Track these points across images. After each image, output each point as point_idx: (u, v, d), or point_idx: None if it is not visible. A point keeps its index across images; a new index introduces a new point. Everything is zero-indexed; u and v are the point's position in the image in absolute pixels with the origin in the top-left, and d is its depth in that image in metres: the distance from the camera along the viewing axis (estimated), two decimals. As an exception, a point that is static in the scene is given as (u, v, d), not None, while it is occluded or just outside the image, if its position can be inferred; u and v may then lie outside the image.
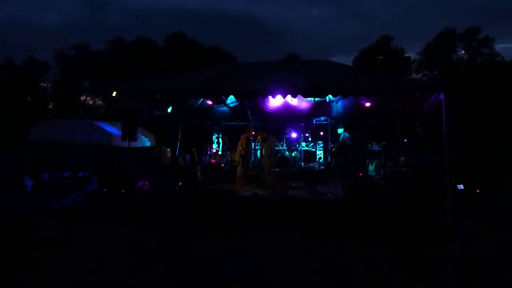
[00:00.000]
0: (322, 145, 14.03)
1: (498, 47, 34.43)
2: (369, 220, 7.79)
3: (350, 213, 8.12)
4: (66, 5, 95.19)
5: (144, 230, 7.73)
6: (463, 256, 6.28)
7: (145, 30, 64.82)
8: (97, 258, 6.06)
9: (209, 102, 10.31)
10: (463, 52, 35.34)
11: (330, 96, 10.34)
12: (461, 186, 9.55)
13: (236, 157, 11.81)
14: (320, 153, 14.22)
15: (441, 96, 8.10)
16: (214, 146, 14.71)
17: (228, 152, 14.07)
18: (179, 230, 7.67)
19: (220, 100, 12.34)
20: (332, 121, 13.54)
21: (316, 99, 11.91)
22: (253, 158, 14.77)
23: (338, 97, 10.68)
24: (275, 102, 12.35)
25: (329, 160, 13.38)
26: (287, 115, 13.93)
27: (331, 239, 7.19)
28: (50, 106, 38.96)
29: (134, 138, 10.66)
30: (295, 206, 8.67)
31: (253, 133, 14.33)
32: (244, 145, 11.56)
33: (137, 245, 6.73)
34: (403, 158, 11.94)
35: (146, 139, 15.99)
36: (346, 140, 12.31)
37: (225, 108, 13.93)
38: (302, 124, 14.09)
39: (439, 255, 6.31)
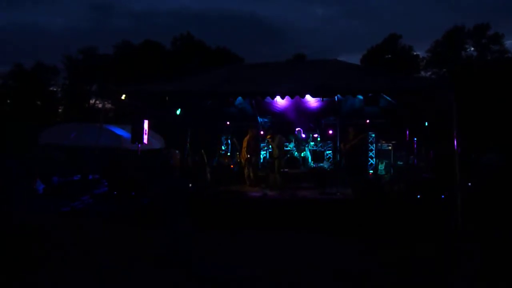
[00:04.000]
0: (331, 144, 13.96)
1: (508, 43, 34.06)
2: (379, 220, 7.73)
3: (360, 214, 8.08)
4: (70, 10, 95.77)
5: (153, 231, 7.68)
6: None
7: (151, 32, 65.13)
8: (106, 259, 6.10)
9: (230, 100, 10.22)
10: (472, 49, 34.94)
11: (339, 95, 10.29)
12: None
13: (242, 159, 11.82)
14: (329, 153, 14.17)
15: (451, 94, 8.03)
16: (223, 147, 14.73)
17: (237, 153, 14.09)
18: (188, 232, 7.67)
19: (228, 101, 12.34)
20: (341, 120, 13.49)
21: (324, 98, 11.86)
22: (262, 159, 14.76)
23: (347, 96, 10.62)
24: (283, 102, 12.34)
25: (338, 159, 13.34)
26: (296, 115, 13.92)
27: (341, 239, 7.16)
28: (59, 110, 39.33)
29: (143, 141, 10.69)
30: (305, 207, 8.65)
31: (262, 132, 14.36)
32: (247, 147, 11.55)
33: (146, 247, 6.77)
34: (412, 157, 11.89)
35: (156, 141, 16.06)
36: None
37: (233, 109, 13.94)
38: (311, 125, 14.04)
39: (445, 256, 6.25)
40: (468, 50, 34.93)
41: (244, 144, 11.67)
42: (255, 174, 11.68)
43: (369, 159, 13.20)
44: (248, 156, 11.50)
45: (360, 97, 10.54)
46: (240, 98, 10.86)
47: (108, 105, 29.16)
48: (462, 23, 34.58)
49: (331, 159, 13.80)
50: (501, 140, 16.80)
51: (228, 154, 14.23)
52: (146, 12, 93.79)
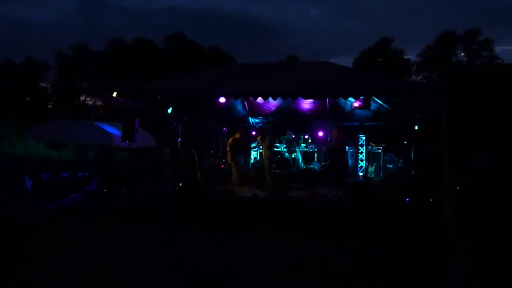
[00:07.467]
0: (322, 146, 14.00)
1: (498, 49, 34.41)
2: (368, 222, 7.76)
3: (350, 215, 8.11)
4: (61, 6, 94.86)
5: (143, 230, 7.70)
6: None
7: (143, 30, 64.92)
8: (96, 257, 6.02)
9: (222, 100, 10.22)
10: (463, 54, 35.24)
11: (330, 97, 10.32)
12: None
13: (229, 161, 11.82)
14: (320, 154, 14.22)
15: (441, 98, 8.09)
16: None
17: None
18: (178, 230, 7.67)
19: (220, 101, 12.32)
20: (332, 122, 13.53)
21: (316, 100, 11.88)
22: (252, 159, 14.78)
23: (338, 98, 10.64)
24: (275, 103, 12.35)
25: (323, 162, 13.42)
26: (287, 116, 13.95)
27: (331, 240, 7.13)
28: (49, 106, 38.89)
29: (134, 139, 10.62)
30: (295, 208, 8.66)
31: (254, 133, 14.37)
32: (231, 148, 11.56)
33: (136, 245, 6.71)
34: (402, 160, 11.97)
35: (146, 139, 15.96)
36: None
37: (225, 109, 13.91)
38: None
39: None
40: (459, 55, 35.24)
41: (230, 144, 11.67)
42: (238, 175, 11.64)
43: (359, 161, 13.26)
44: (231, 158, 11.53)
45: (352, 99, 10.62)
46: (232, 98, 10.83)
47: (99, 103, 28.91)
48: (453, 28, 34.98)
49: (322, 160, 13.86)
50: (492, 143, 16.95)
51: (219, 154, 14.22)
52: (138, 9, 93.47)
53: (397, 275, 5.51)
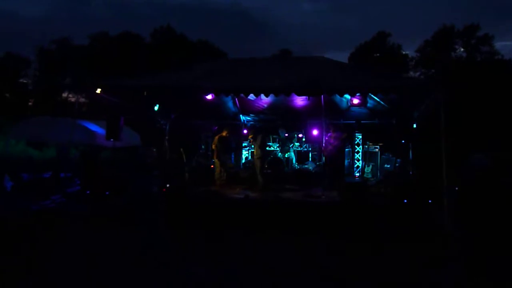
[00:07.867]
0: (316, 145, 13.59)
1: (498, 45, 33.85)
2: (365, 223, 7.59)
3: (345, 216, 7.92)
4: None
5: (129, 232, 7.49)
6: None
7: (129, 23, 63.31)
8: (81, 261, 5.85)
9: (209, 97, 9.88)
10: (461, 50, 34.79)
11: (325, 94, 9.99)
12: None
13: (214, 159, 11.41)
14: (314, 154, 13.83)
15: (439, 95, 7.83)
16: (203, 146, 14.28)
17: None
18: (166, 233, 7.49)
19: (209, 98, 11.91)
20: (327, 120, 13.17)
21: (310, 97, 11.53)
22: (243, 159, 14.37)
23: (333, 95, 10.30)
24: (267, 100, 11.99)
25: (322, 161, 13.05)
26: (280, 114, 13.59)
27: (325, 242, 6.95)
28: (30, 103, 37.86)
29: (118, 138, 10.20)
30: (288, 209, 8.50)
31: (245, 131, 14.01)
32: (217, 146, 11.16)
33: (122, 248, 6.52)
34: (399, 160, 11.66)
35: (131, 138, 15.47)
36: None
37: (215, 107, 13.48)
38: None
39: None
40: (458, 50, 34.92)
41: (216, 142, 11.25)
42: (222, 174, 11.23)
43: (356, 161, 12.92)
44: (216, 156, 11.13)
45: (348, 96, 10.29)
46: (222, 94, 10.41)
47: (82, 99, 28.15)
48: (452, 23, 34.54)
49: (316, 160, 13.47)
50: (490, 141, 16.88)
51: (208, 153, 13.77)
52: (125, 2, 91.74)
53: (396, 275, 5.39)
